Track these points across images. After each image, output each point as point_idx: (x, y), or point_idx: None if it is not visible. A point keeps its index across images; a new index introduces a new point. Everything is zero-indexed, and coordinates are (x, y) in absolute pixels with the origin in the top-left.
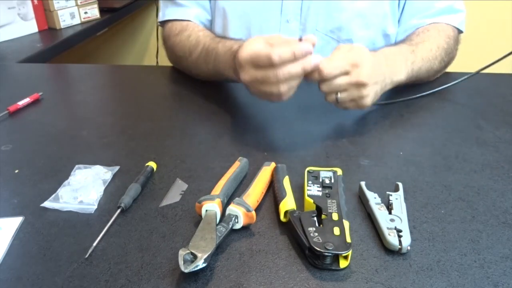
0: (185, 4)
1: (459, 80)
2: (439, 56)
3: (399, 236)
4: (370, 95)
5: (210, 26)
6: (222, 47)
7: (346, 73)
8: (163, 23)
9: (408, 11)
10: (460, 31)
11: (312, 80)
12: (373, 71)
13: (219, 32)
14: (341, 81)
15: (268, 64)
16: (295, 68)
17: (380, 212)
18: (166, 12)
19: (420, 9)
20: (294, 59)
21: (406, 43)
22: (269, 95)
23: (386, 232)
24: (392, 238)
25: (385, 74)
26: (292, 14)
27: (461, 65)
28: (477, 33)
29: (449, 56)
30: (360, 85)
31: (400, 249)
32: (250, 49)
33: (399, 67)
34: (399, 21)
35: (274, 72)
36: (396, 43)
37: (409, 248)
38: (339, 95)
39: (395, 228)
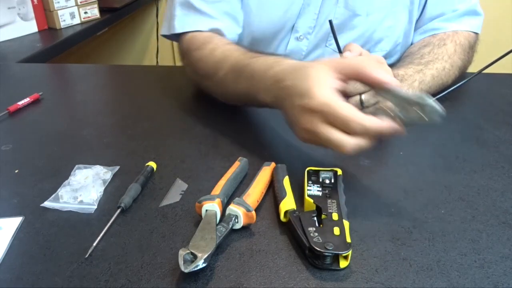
0: (212, 15)
1: (460, 84)
2: (452, 74)
3: None
4: None
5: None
6: (260, 64)
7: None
8: (180, 35)
9: (429, 12)
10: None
11: None
12: None
13: None
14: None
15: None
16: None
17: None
18: (186, 21)
19: (443, 11)
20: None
21: (414, 61)
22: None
23: None
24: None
25: None
26: (304, 32)
27: None
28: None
29: (463, 71)
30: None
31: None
32: (324, 98)
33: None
34: (416, 22)
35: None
36: (403, 62)
37: None
38: (363, 96)
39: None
